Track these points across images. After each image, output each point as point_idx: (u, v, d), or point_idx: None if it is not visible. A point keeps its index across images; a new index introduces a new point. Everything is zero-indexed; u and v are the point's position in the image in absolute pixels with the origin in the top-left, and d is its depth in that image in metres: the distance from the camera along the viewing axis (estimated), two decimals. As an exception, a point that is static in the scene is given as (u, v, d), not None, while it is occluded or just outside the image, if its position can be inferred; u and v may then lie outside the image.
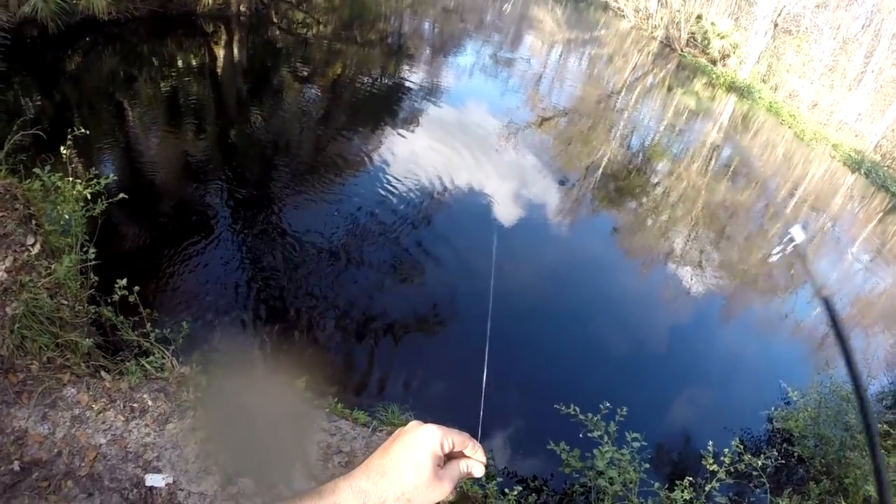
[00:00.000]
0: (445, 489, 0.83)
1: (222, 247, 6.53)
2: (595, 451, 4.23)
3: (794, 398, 6.96)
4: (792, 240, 0.94)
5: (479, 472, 0.88)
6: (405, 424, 0.89)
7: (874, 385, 8.92)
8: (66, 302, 4.04)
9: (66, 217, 4.32)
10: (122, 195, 4.30)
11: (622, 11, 38.49)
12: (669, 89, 26.14)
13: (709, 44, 32.76)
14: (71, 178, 4.34)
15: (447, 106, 13.60)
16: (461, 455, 0.87)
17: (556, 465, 4.42)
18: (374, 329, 6.18)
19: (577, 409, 4.38)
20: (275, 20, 15.99)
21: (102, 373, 3.79)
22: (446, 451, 0.84)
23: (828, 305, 0.86)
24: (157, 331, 3.93)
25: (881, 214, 21.92)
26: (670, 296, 9.58)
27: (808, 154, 24.96)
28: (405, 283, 7.13)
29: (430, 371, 5.96)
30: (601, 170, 13.53)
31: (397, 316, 6.48)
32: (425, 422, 0.87)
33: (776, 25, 31.08)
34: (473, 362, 6.12)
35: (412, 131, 11.24)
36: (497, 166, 11.22)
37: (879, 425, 7.35)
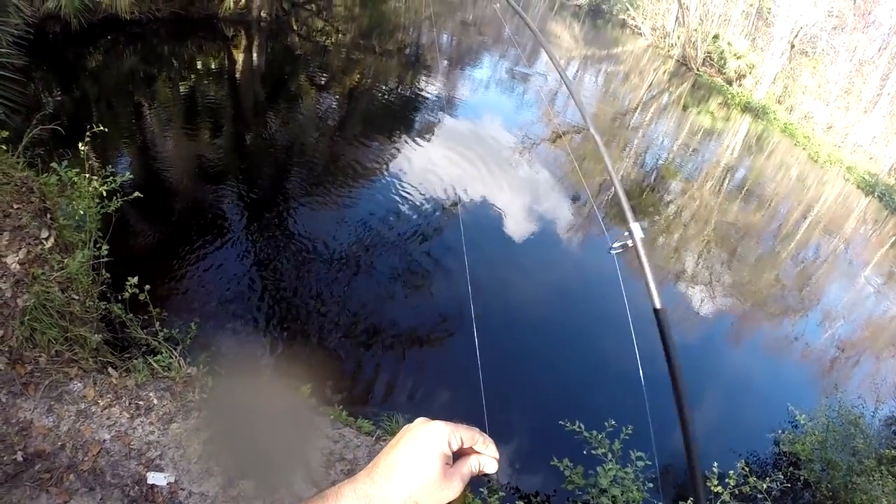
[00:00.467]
0: (455, 488, 0.78)
1: (234, 249, 6.56)
2: (598, 469, 4.20)
3: (802, 422, 6.91)
4: (630, 235, 0.99)
5: (491, 468, 0.84)
6: None
7: (883, 410, 8.83)
8: (76, 297, 4.06)
9: (81, 213, 4.35)
10: (137, 193, 4.34)
11: (639, 29, 38.59)
12: (684, 108, 26.14)
13: (725, 64, 32.77)
14: (87, 175, 4.37)
15: (463, 118, 13.66)
16: (471, 451, 0.83)
17: (559, 482, 4.39)
18: (383, 337, 6.18)
19: (582, 425, 4.36)
20: (295, 27, 16.12)
21: (110, 369, 3.81)
22: (455, 448, 0.79)
23: (658, 316, 0.88)
24: (165, 330, 3.94)
25: (894, 238, 21.80)
26: (679, 315, 9.53)
27: (822, 176, 24.87)
28: (415, 293, 7.12)
29: (436, 382, 5.95)
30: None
31: (406, 325, 6.48)
32: (432, 419, 0.82)
33: (793, 46, 31.07)
34: (480, 373, 6.11)
35: (427, 142, 11.28)
36: (510, 180, 11.23)
37: (888, 451, 7.31)
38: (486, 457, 0.84)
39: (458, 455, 0.82)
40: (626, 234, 0.97)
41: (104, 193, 4.32)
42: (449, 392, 5.86)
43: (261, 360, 5.24)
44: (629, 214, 1.01)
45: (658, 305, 0.89)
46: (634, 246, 0.98)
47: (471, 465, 0.82)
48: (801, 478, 6.55)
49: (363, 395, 5.43)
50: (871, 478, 6.21)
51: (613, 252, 1.02)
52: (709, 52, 33.71)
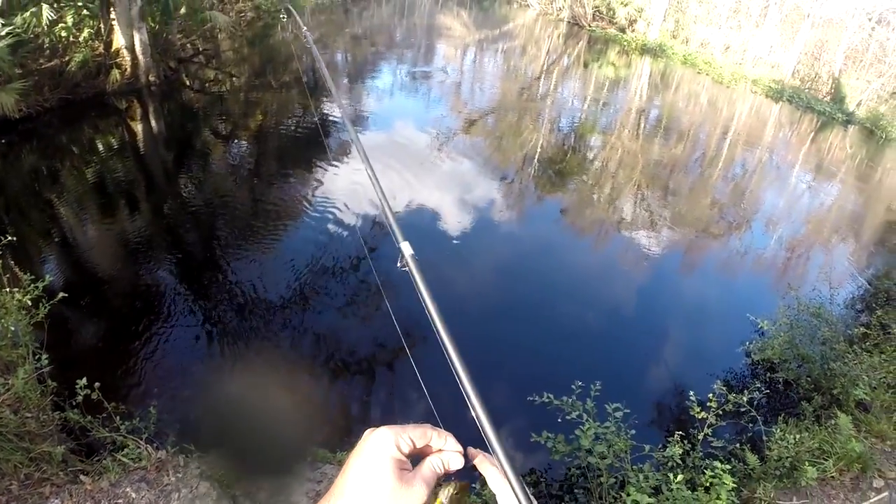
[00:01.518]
0: (418, 493, 0.72)
1: (177, 321, 6.46)
2: (577, 432, 4.30)
3: (766, 328, 7.18)
4: (403, 253, 1.10)
5: (456, 463, 0.78)
6: None
7: (839, 294, 9.25)
8: (30, 414, 3.98)
9: (13, 329, 4.25)
10: (62, 294, 4.27)
11: (526, 1, 39.16)
12: (585, 66, 26.67)
13: (614, 13, 33.59)
14: (8, 289, 4.27)
15: (375, 130, 13.70)
16: (430, 450, 0.77)
17: (547, 455, 4.48)
18: (345, 366, 6.20)
19: (551, 395, 4.46)
20: (187, 83, 15.84)
21: (81, 476, 3.74)
22: (406, 450, 0.74)
23: (436, 324, 0.93)
24: (126, 422, 3.90)
25: (812, 134, 22.78)
26: (627, 262, 9.79)
27: (731, 95, 25.76)
28: (368, 313, 7.13)
29: (408, 393, 5.98)
30: (537, 158, 13.75)
31: (365, 348, 6.50)
32: (377, 426, 0.77)
33: (675, -19, 31.99)
34: (449, 377, 6.18)
35: (345, 162, 11.27)
36: (434, 179, 11.33)
37: (856, 329, 7.67)
38: (448, 452, 0.78)
39: (420, 457, 0.77)
40: (400, 254, 1.06)
41: (30, 303, 4.24)
42: (421, 399, 5.88)
43: (225, 421, 5.17)
44: (398, 235, 1.09)
45: (434, 314, 0.88)
46: (407, 263, 1.06)
47: (432, 465, 0.76)
48: (781, 379, 6.82)
49: (337, 428, 5.42)
50: (845, 360, 6.52)
51: (402, 269, 1.07)
52: (596, 7, 34.47)
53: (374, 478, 0.71)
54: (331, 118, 13.90)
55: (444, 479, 0.76)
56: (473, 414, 0.76)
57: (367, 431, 0.77)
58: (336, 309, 7.08)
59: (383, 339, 6.61)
